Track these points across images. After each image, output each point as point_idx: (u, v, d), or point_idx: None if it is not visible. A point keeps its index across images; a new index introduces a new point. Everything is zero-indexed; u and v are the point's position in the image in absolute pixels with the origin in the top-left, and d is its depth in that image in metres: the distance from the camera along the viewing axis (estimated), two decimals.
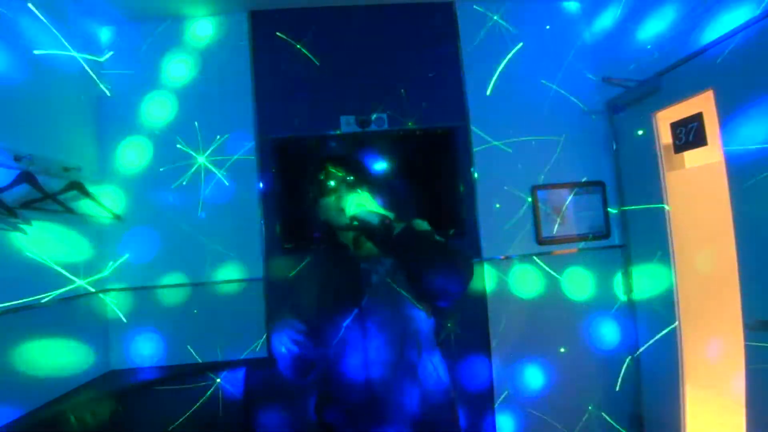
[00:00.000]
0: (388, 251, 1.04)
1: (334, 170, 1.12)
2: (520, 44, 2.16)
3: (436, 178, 2.15)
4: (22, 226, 1.47)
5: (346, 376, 1.06)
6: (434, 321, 1.13)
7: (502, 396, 2.00)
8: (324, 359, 1.10)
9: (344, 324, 1.06)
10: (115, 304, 1.96)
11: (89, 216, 1.81)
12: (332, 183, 1.10)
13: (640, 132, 1.91)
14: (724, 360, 1.63)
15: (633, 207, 2.03)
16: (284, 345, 0.96)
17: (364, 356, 1.05)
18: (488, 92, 2.13)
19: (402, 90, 2.08)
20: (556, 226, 2.10)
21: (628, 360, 2.04)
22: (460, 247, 1.08)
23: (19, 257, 1.49)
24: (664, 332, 1.84)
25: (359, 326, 1.06)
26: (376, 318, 1.06)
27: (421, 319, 1.08)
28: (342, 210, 1.07)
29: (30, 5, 1.59)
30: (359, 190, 1.09)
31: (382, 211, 1.03)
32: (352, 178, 1.12)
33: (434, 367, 1.10)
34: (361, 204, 1.04)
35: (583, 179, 2.12)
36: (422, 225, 1.10)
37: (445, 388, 1.11)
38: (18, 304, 1.46)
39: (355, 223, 1.02)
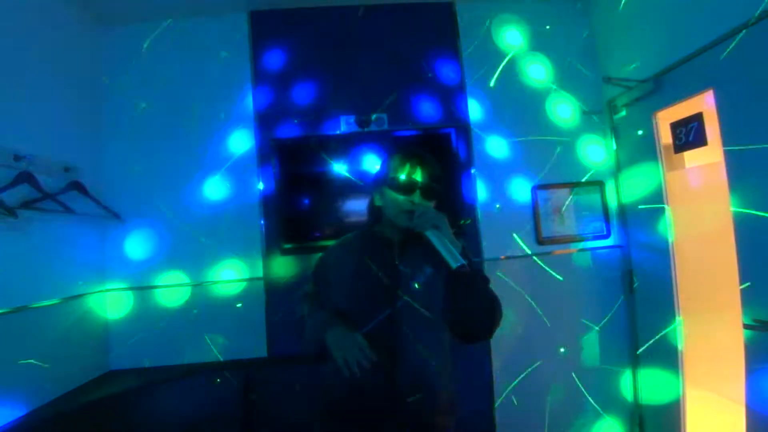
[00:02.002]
0: (445, 282, 1.04)
1: (418, 173, 1.09)
2: (520, 44, 2.17)
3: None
4: (21, 226, 1.47)
5: (372, 378, 1.02)
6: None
7: (502, 396, 2.00)
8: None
9: (373, 322, 1.03)
10: (115, 304, 1.97)
11: (89, 216, 1.81)
12: (410, 184, 1.08)
13: (640, 132, 1.91)
14: (724, 360, 1.63)
15: (633, 207, 2.03)
16: (347, 362, 0.96)
17: (393, 361, 1.03)
18: (488, 92, 2.13)
19: (401, 91, 2.08)
20: (556, 226, 2.10)
21: (628, 360, 2.05)
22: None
23: (19, 257, 1.49)
24: (664, 332, 1.84)
25: (392, 330, 1.03)
26: (412, 325, 1.03)
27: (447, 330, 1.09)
28: (410, 214, 1.05)
29: None
30: (440, 214, 1.05)
31: (457, 246, 1.01)
32: (429, 186, 1.09)
33: (451, 375, 1.11)
34: (440, 235, 1.00)
35: (583, 179, 2.12)
36: (480, 273, 1.09)
37: (456, 394, 1.12)
38: (18, 304, 1.46)
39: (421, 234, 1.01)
